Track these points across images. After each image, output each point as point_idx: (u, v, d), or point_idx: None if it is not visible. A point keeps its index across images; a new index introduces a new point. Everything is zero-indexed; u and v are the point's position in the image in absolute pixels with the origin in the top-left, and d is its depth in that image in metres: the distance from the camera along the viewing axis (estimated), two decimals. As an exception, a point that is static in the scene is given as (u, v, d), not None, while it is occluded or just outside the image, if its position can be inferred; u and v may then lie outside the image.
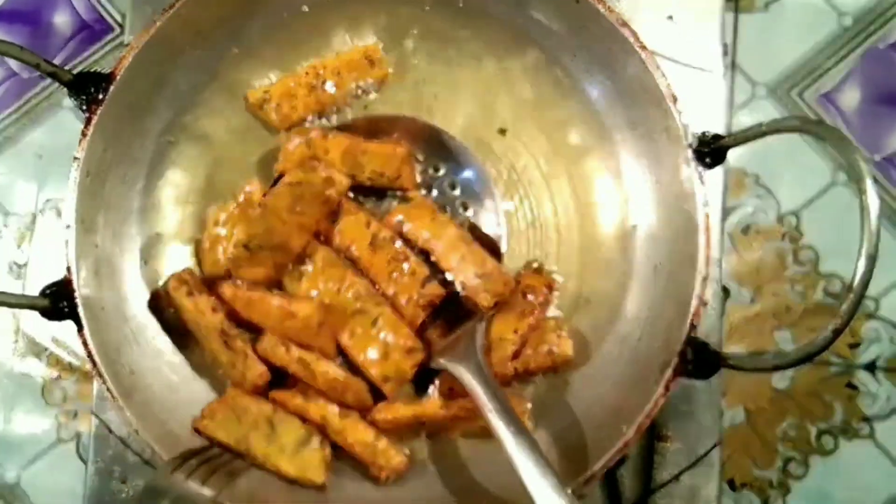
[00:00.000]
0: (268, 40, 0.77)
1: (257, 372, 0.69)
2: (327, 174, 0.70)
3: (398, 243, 0.71)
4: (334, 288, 0.70)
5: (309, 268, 0.71)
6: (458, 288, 0.71)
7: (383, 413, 0.70)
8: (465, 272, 0.70)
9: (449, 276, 0.71)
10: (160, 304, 0.73)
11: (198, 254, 0.75)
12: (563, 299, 0.75)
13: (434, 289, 0.71)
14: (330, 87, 0.76)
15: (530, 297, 0.73)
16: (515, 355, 0.71)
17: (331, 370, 0.68)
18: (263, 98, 0.75)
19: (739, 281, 0.89)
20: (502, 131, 0.76)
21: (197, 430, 0.69)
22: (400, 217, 0.72)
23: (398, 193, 0.76)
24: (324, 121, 0.77)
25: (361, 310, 0.70)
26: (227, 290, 0.70)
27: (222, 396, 0.70)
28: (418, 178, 0.76)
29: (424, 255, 0.72)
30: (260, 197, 0.72)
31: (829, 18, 0.93)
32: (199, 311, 0.69)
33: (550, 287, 0.74)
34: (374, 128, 0.76)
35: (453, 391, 0.71)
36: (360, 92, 0.77)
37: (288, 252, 0.70)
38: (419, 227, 0.72)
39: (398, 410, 0.70)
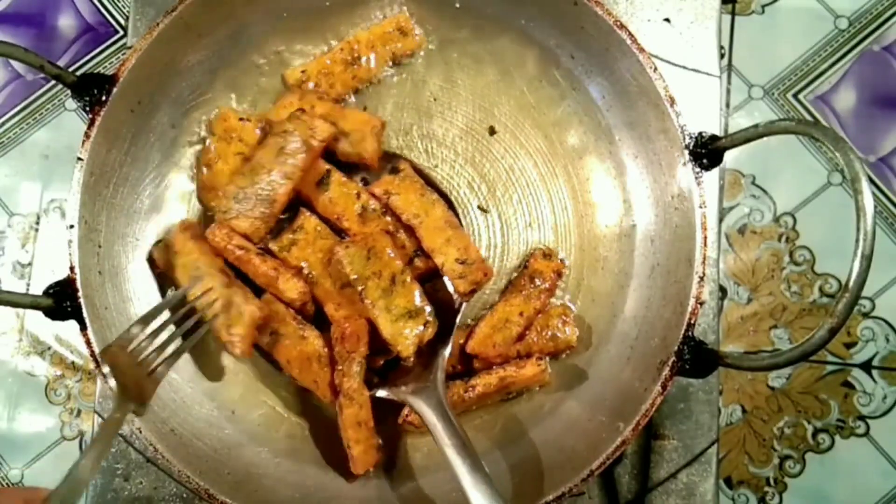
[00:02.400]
0: (267, 41, 0.77)
1: (252, 308, 0.70)
2: (310, 123, 0.71)
3: (388, 217, 0.72)
4: (323, 259, 0.71)
5: (300, 237, 0.72)
6: (440, 269, 0.71)
7: (412, 414, 0.71)
8: (447, 255, 0.70)
9: (432, 257, 0.71)
10: (155, 264, 0.74)
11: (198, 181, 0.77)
12: (565, 292, 0.75)
13: (423, 262, 0.72)
14: (365, 61, 0.77)
15: (538, 281, 0.73)
16: (520, 338, 0.72)
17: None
18: (301, 77, 0.76)
19: (736, 281, 0.90)
20: (492, 130, 0.77)
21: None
22: (387, 189, 0.72)
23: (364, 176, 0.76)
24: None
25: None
26: (218, 238, 0.70)
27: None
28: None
29: (408, 230, 0.72)
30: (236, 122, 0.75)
31: (825, 21, 0.94)
32: (203, 252, 0.71)
33: (559, 273, 0.74)
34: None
35: (455, 369, 0.74)
36: (391, 64, 0.78)
37: (273, 203, 0.71)
38: (407, 201, 0.72)
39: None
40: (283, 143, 0.71)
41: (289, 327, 0.70)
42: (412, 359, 0.70)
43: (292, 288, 0.70)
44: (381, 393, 0.70)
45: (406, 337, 0.69)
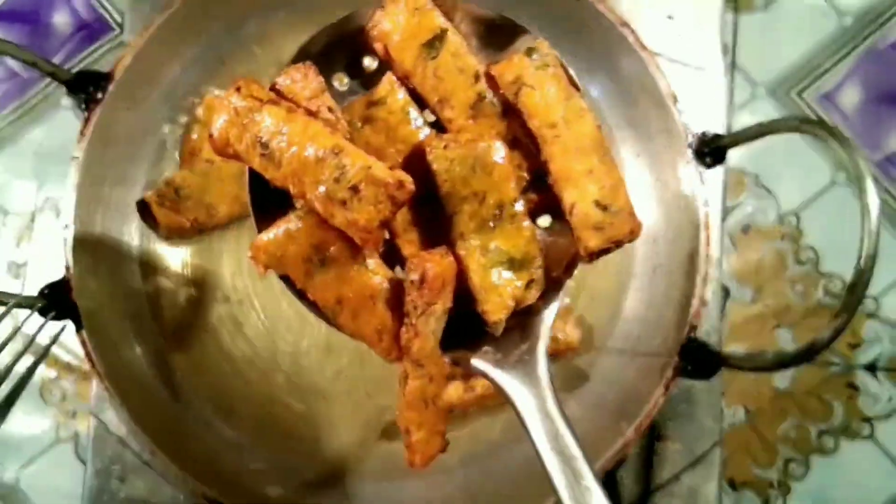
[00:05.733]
0: (263, 38, 0.77)
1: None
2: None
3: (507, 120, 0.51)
4: (403, 157, 0.51)
5: (378, 113, 0.51)
6: (566, 209, 0.50)
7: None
8: (584, 192, 0.49)
9: (558, 190, 0.50)
10: (146, 211, 0.73)
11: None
12: (566, 292, 0.75)
13: (539, 195, 0.52)
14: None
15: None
16: None
17: None
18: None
19: (740, 281, 0.89)
20: None
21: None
22: (519, 76, 0.49)
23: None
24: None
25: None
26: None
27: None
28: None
29: (532, 144, 0.51)
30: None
31: (829, 18, 0.93)
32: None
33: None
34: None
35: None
36: None
37: (212, 216, 0.70)
38: (545, 102, 0.49)
39: None
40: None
41: (344, 250, 0.48)
42: (501, 325, 0.50)
43: (390, 175, 0.45)
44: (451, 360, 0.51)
45: (501, 294, 0.49)
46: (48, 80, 0.82)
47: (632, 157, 0.74)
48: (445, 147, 0.48)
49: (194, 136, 0.74)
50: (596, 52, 0.74)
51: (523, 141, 0.50)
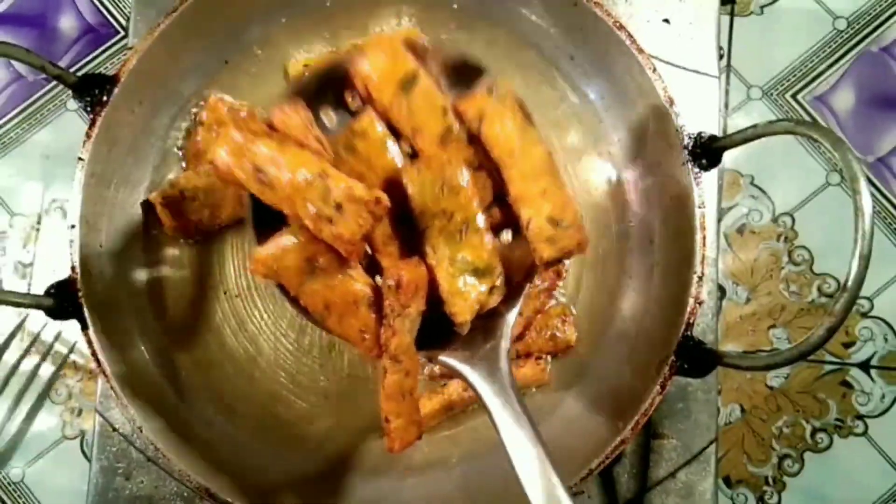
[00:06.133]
0: (265, 41, 0.78)
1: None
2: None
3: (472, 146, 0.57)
4: (381, 183, 0.57)
5: (360, 144, 0.57)
6: (523, 225, 0.57)
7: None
8: (538, 210, 0.56)
9: (516, 209, 0.57)
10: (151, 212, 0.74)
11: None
12: (565, 292, 0.75)
13: (500, 213, 0.59)
14: None
15: (537, 281, 0.73)
16: (519, 337, 0.72)
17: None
18: (303, 71, 0.76)
19: (735, 280, 0.90)
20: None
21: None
22: (482, 110, 0.56)
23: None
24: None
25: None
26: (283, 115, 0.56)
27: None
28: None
29: (493, 169, 0.58)
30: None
31: (823, 22, 0.94)
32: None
33: (558, 273, 0.74)
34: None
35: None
36: None
37: (215, 217, 0.70)
38: (504, 133, 0.56)
39: (426, 407, 0.71)
40: None
41: (331, 261, 0.55)
42: (466, 326, 0.57)
43: (368, 193, 0.53)
44: (427, 358, 0.59)
45: (466, 298, 0.56)
46: (54, 83, 0.82)
47: (629, 159, 0.75)
48: (418, 172, 0.55)
49: (198, 138, 0.75)
50: (593, 55, 0.74)
51: (486, 166, 0.57)
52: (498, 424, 0.54)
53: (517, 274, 0.59)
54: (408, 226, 0.57)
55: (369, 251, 0.59)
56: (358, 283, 0.56)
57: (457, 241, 0.56)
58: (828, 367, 0.90)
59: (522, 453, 0.53)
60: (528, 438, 0.53)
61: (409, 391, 0.57)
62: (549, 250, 0.56)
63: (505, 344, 0.57)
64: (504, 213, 0.59)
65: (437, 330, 0.58)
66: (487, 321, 0.58)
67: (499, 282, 0.57)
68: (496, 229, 0.59)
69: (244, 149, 0.52)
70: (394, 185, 0.56)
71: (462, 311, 0.56)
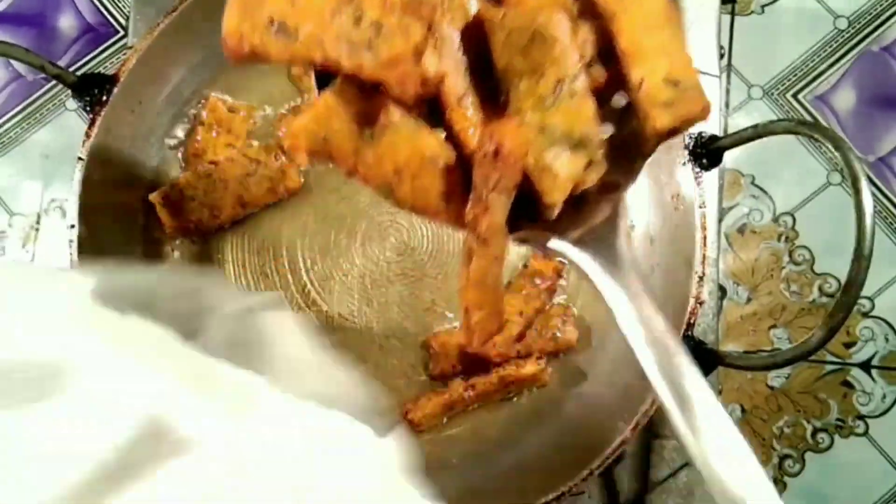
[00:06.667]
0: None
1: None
2: (283, 164, 0.70)
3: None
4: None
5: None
6: (633, 87, 0.45)
7: (416, 412, 0.70)
8: (654, 67, 0.44)
9: (625, 67, 0.45)
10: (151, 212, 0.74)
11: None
12: (565, 292, 0.75)
13: (604, 72, 0.45)
14: None
15: (538, 281, 0.73)
16: (519, 337, 0.72)
17: None
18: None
19: (736, 280, 0.90)
20: None
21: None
22: None
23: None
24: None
25: None
26: None
27: None
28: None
29: (597, 19, 0.45)
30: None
31: (824, 21, 0.94)
32: None
33: (559, 273, 0.74)
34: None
35: (455, 368, 0.71)
36: None
37: (215, 217, 0.70)
38: None
39: (427, 407, 0.71)
40: (253, 169, 0.65)
41: (390, 114, 0.44)
42: (557, 208, 0.46)
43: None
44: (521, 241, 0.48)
45: (557, 174, 0.45)
46: (54, 82, 0.82)
47: (629, 159, 0.75)
48: (504, 16, 0.44)
49: (198, 138, 0.75)
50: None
51: (589, 13, 0.46)
52: (621, 322, 0.45)
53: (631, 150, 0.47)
54: (488, 87, 0.46)
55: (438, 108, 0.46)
56: (430, 136, 0.45)
57: (548, 104, 0.45)
58: (829, 367, 0.90)
59: (651, 351, 0.43)
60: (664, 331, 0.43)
61: (495, 280, 0.47)
62: (666, 117, 0.44)
63: (624, 222, 0.47)
64: (611, 73, 0.46)
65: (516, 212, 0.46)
66: (600, 195, 0.47)
67: (599, 156, 0.46)
68: (598, 94, 0.46)
69: (251, 4, 0.42)
70: (473, 35, 0.45)
71: (551, 189, 0.45)
